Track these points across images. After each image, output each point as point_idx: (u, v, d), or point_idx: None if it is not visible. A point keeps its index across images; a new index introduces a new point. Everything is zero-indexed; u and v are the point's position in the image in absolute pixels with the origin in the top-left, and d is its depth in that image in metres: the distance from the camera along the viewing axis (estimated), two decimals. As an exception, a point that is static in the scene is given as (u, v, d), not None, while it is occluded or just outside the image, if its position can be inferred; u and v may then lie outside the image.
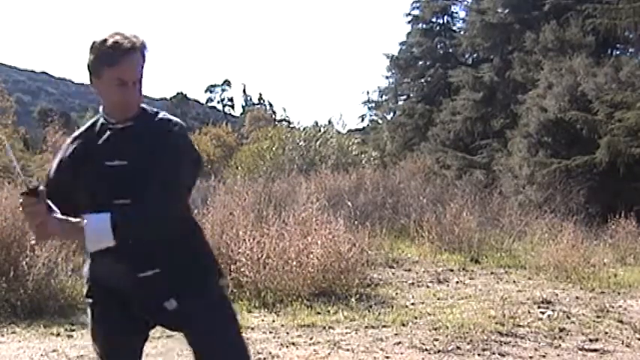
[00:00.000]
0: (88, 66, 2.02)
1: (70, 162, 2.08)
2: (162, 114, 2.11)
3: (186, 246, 2.12)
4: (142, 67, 2.02)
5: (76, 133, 2.15)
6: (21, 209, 1.91)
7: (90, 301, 2.15)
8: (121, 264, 1.99)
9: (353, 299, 5.59)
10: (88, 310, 2.16)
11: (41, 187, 1.88)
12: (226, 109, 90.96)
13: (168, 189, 1.97)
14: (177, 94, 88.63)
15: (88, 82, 2.06)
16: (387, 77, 24.94)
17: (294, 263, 5.71)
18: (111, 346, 2.14)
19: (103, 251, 1.92)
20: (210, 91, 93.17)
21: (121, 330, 2.11)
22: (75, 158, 2.08)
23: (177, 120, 2.11)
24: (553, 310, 5.43)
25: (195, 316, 2.07)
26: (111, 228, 1.86)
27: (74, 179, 2.04)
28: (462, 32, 22.04)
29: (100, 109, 2.11)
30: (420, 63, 23.44)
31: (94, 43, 1.99)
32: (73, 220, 1.91)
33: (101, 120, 2.10)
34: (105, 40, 1.97)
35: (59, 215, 1.92)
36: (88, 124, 2.15)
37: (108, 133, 2.06)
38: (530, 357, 4.22)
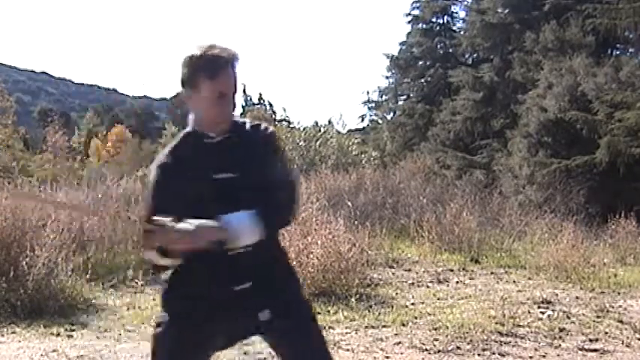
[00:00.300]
0: (183, 80, 1.99)
1: (169, 182, 2.01)
2: (248, 121, 2.13)
3: (276, 256, 2.12)
4: (236, 80, 2.00)
5: (167, 152, 2.08)
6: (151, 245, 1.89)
7: (166, 316, 2.08)
8: (216, 276, 1.99)
9: (353, 299, 5.59)
10: (162, 324, 2.08)
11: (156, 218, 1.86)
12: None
13: (290, 189, 2.08)
14: (178, 94, 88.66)
15: (183, 95, 2.02)
16: (387, 77, 24.92)
17: (294, 263, 5.68)
18: None
19: (194, 264, 1.94)
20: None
21: (190, 356, 2.08)
22: (174, 177, 2.00)
23: (265, 124, 2.13)
24: (553, 310, 5.43)
25: (288, 328, 2.08)
26: (260, 224, 1.91)
27: (175, 198, 1.97)
28: (462, 32, 22.02)
29: (191, 122, 2.06)
30: (420, 63, 23.42)
31: (191, 56, 1.96)
32: (199, 224, 1.86)
33: (193, 134, 2.06)
34: (203, 53, 1.94)
35: (179, 224, 1.87)
36: (178, 140, 2.09)
37: (206, 146, 2.02)
38: (530, 357, 4.22)
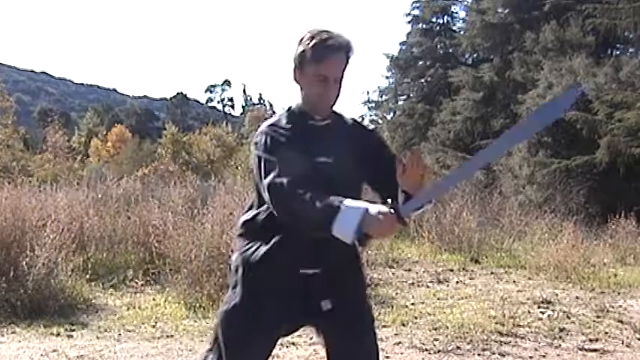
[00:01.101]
0: (294, 58, 2.06)
1: (283, 146, 2.01)
2: (347, 114, 2.20)
3: (344, 246, 2.10)
4: (345, 68, 2.06)
5: (275, 122, 2.10)
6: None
7: (238, 293, 2.09)
8: (288, 258, 2.02)
9: (353, 299, 5.57)
10: (234, 299, 2.09)
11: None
12: (226, 109, 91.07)
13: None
14: (177, 94, 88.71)
15: (292, 75, 2.08)
16: (387, 77, 24.92)
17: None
18: (247, 343, 2.09)
19: (273, 244, 1.99)
20: (210, 91, 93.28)
21: (264, 330, 2.08)
22: (286, 146, 2.01)
23: (367, 124, 2.25)
24: (553, 310, 5.43)
25: (344, 323, 2.10)
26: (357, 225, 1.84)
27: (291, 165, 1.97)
28: (462, 32, 22.02)
29: (296, 102, 2.13)
30: (420, 63, 23.41)
31: (303, 37, 2.04)
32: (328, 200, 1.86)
33: (298, 113, 2.11)
34: (314, 36, 2.02)
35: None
36: (284, 116, 2.12)
37: (310, 129, 2.08)
38: (530, 357, 4.22)
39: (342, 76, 2.07)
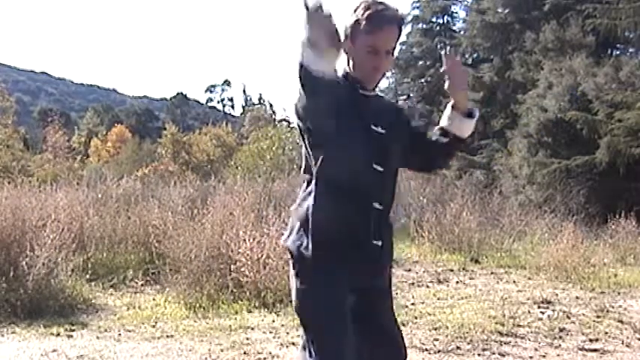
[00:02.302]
0: (346, 26, 2.03)
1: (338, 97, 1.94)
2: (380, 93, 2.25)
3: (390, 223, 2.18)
4: (397, 41, 2.06)
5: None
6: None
7: (313, 264, 2.02)
8: (359, 229, 2.03)
9: (353, 299, 5.57)
10: (309, 273, 2.03)
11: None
12: (226, 109, 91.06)
13: None
14: (178, 94, 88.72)
15: (344, 43, 1.99)
16: (387, 77, 24.95)
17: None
18: (338, 314, 2.03)
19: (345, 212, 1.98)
20: (210, 91, 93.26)
21: (345, 300, 2.05)
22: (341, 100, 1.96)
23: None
24: (553, 310, 5.43)
25: (382, 295, 2.18)
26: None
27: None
28: (462, 32, 22.05)
29: (344, 70, 2.09)
30: (420, 63, 23.46)
31: (358, 6, 2.02)
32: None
33: (350, 78, 2.07)
34: (369, 7, 1.99)
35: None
36: (340, 79, 2.06)
37: (362, 97, 2.07)
38: (530, 357, 4.22)
39: (394, 48, 2.06)
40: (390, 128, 2.07)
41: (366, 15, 1.98)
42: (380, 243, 2.06)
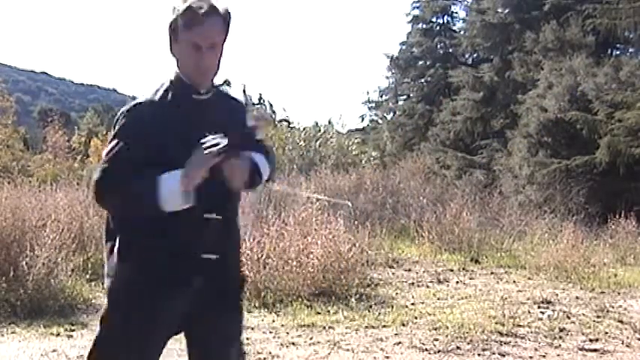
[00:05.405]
0: (169, 25, 1.97)
1: (146, 133, 1.92)
2: (222, 87, 2.14)
3: (237, 239, 2.19)
4: (223, 35, 1.97)
5: (142, 101, 1.99)
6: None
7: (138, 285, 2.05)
8: (187, 244, 2.00)
9: (353, 299, 5.58)
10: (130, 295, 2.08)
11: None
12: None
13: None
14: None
15: (168, 46, 1.98)
16: (387, 77, 24.89)
17: (294, 263, 5.71)
18: (149, 340, 2.17)
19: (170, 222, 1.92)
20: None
21: (165, 324, 2.18)
22: (153, 128, 1.93)
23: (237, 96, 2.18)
24: (553, 310, 5.43)
25: (213, 319, 2.21)
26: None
27: (148, 150, 1.90)
28: (462, 32, 22.01)
29: (172, 75, 2.02)
30: (420, 63, 23.41)
31: (175, 6, 1.96)
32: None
33: (173, 88, 2.00)
34: (184, 3, 1.94)
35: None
36: (158, 92, 2.00)
37: (186, 103, 1.99)
38: (530, 357, 4.22)
39: (221, 43, 1.97)
40: (224, 133, 1.93)
41: (183, 10, 1.92)
42: (215, 256, 2.06)
